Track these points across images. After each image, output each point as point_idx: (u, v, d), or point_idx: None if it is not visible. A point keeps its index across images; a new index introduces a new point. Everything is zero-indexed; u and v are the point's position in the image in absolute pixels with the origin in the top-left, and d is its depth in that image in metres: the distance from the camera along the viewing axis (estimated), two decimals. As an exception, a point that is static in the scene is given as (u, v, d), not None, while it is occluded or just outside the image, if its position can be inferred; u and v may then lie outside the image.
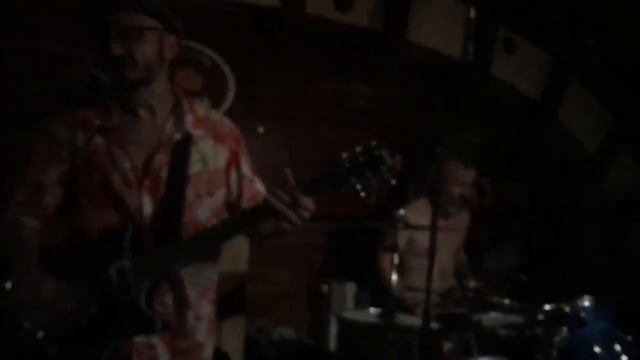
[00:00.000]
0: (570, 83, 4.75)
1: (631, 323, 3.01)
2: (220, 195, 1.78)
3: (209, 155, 1.74)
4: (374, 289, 3.76)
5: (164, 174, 1.68)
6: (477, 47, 4.38)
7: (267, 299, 4.04)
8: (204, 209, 1.72)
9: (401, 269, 3.53)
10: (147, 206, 1.66)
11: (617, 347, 2.82)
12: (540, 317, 2.92)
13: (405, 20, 4.11)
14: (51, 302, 1.57)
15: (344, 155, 1.49)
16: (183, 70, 3.63)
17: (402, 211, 2.99)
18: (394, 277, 2.88)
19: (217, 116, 1.84)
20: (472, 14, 3.73)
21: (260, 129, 3.70)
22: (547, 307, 2.93)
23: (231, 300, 3.65)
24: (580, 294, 2.94)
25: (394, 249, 2.92)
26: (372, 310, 3.20)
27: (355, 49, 4.31)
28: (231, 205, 1.82)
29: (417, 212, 3.34)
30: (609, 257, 4.24)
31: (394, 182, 1.49)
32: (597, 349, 2.80)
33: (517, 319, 3.14)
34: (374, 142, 1.49)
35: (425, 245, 3.42)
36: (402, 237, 3.43)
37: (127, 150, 1.68)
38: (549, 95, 4.72)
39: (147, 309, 1.63)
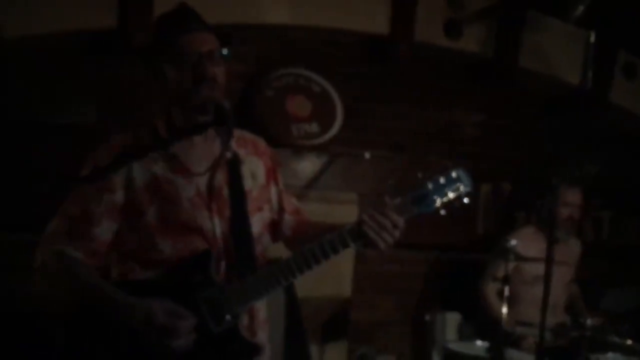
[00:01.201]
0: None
1: None
2: (267, 210, 1.79)
3: (255, 171, 1.77)
4: (479, 320, 3.66)
5: (226, 193, 1.68)
6: (595, 73, 4.19)
7: (370, 326, 4.02)
8: (255, 225, 1.73)
9: (508, 300, 3.42)
10: (218, 228, 1.66)
11: None
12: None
13: (517, 46, 4.01)
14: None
15: (422, 175, 1.62)
16: (295, 97, 3.73)
17: (513, 242, 2.89)
18: (505, 309, 2.77)
19: (250, 135, 1.84)
20: (592, 38, 3.57)
21: (367, 155, 3.72)
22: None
23: (334, 326, 3.67)
24: None
25: (505, 280, 2.82)
26: (479, 343, 3.10)
27: (466, 77, 4.26)
28: (274, 220, 1.83)
29: (524, 241, 3.24)
30: None
31: (467, 200, 1.60)
32: None
33: (634, 360, 2.93)
34: (450, 164, 1.64)
35: (534, 274, 3.34)
36: (510, 267, 3.33)
37: (187, 174, 1.66)
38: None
39: (246, 335, 1.64)
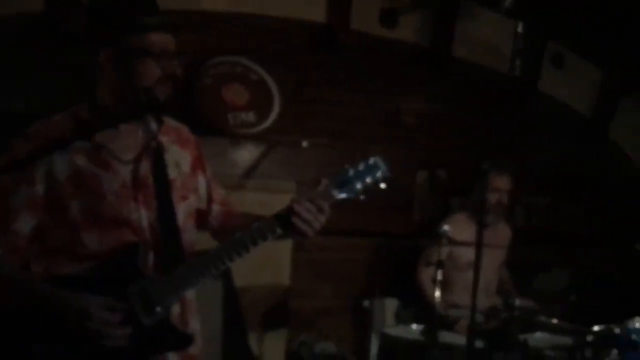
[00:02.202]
0: (621, 98, 4.62)
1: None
2: (193, 199, 1.78)
3: (179, 160, 1.76)
4: (416, 305, 3.73)
5: (151, 183, 1.66)
6: (525, 63, 4.32)
7: (310, 314, 4.05)
8: (181, 215, 1.71)
9: (442, 285, 3.51)
10: (145, 219, 1.65)
11: (671, 372, 2.71)
12: (590, 338, 2.83)
13: (451, 36, 4.09)
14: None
15: (347, 165, 1.75)
16: (231, 85, 3.70)
17: (446, 227, 2.96)
18: (437, 293, 2.84)
19: (174, 122, 1.83)
20: (520, 28, 3.69)
21: (305, 143, 3.73)
22: (596, 328, 2.84)
23: (274, 314, 3.67)
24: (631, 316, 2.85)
25: (438, 265, 2.89)
26: (415, 327, 3.17)
27: (405, 66, 4.31)
28: (200, 210, 1.83)
29: (457, 227, 3.32)
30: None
31: (383, 186, 1.74)
32: (649, 374, 2.69)
33: (565, 340, 3.06)
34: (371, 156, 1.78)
35: (467, 260, 3.43)
36: (443, 252, 3.41)
37: (112, 166, 1.63)
38: (600, 112, 4.60)
39: (178, 325, 1.64)
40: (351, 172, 1.73)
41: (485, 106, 4.46)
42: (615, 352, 2.75)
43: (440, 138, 4.39)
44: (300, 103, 3.99)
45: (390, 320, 3.95)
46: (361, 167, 1.74)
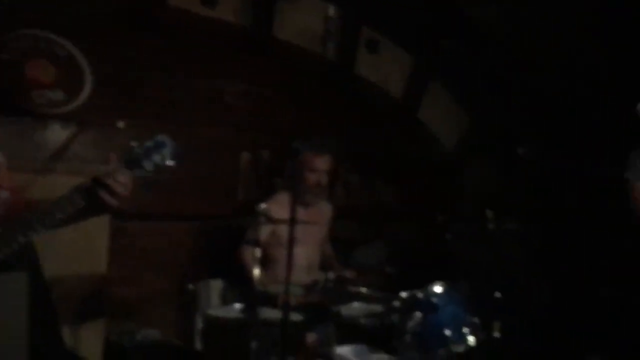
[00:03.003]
0: (429, 83, 5.00)
1: (481, 306, 3.25)
2: None
3: None
4: (242, 285, 3.76)
5: None
6: (341, 47, 4.50)
7: (133, 302, 3.91)
8: None
9: (266, 262, 3.58)
10: None
11: (465, 329, 3.01)
12: (397, 304, 3.05)
13: (272, 17, 4.13)
14: None
15: (134, 144, 1.83)
16: (35, 61, 3.41)
17: (263, 205, 3.01)
18: (256, 271, 2.89)
19: None
20: (332, 12, 3.83)
21: (121, 124, 3.57)
22: (403, 294, 3.07)
23: (89, 304, 3.49)
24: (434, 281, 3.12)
25: (256, 243, 2.94)
26: (237, 306, 3.19)
27: (226, 46, 4.27)
28: None
29: (277, 205, 3.40)
30: (468, 251, 4.48)
31: (170, 163, 1.82)
32: (447, 332, 2.97)
33: (377, 307, 3.27)
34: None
35: (287, 238, 3.52)
36: (266, 231, 3.47)
37: None
38: (410, 95, 4.94)
39: None
40: (138, 150, 1.78)
41: (306, 88, 4.59)
42: (418, 314, 2.98)
43: (263, 120, 4.44)
44: (118, 83, 3.80)
45: (216, 301, 3.94)
46: (149, 144, 1.80)
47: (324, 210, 3.99)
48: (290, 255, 2.56)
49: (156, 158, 1.77)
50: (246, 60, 4.35)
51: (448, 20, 4.41)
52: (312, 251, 3.86)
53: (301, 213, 3.62)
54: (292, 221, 2.55)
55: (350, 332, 3.23)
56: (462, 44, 4.23)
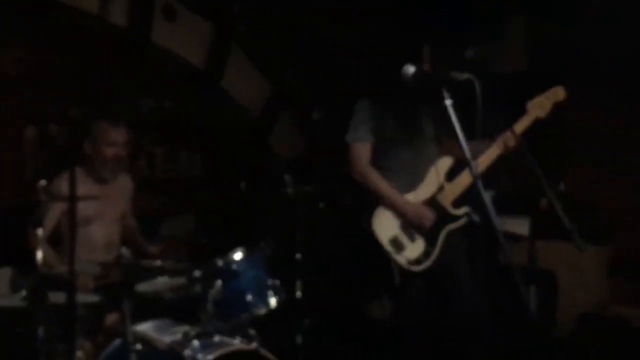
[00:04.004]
0: (231, 51, 4.97)
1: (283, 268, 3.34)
2: None
3: None
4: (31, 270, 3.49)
5: None
6: (136, 14, 4.29)
7: None
8: None
9: (62, 243, 3.35)
10: None
11: (267, 292, 3.07)
12: (197, 274, 3.02)
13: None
14: None
15: None
16: None
17: (43, 182, 2.78)
18: (39, 253, 2.68)
19: None
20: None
21: None
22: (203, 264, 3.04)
23: None
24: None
25: (37, 223, 2.73)
26: (24, 293, 2.95)
27: (10, 11, 3.85)
28: None
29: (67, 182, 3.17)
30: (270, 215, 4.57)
31: None
32: (249, 297, 2.99)
33: (179, 280, 3.20)
34: None
35: (84, 215, 3.31)
36: (56, 210, 3.24)
37: None
38: (212, 64, 4.87)
39: None
40: None
41: (98, 56, 4.31)
42: (219, 282, 2.97)
43: (50, 90, 4.09)
44: None
45: (6, 290, 3.62)
46: None
47: (122, 185, 3.79)
48: (72, 236, 2.42)
49: None
50: (27, 25, 3.97)
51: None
52: (112, 229, 3.67)
53: (97, 189, 3.43)
54: (72, 198, 2.39)
55: (155, 308, 3.15)
56: (252, 10, 4.24)
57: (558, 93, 3.18)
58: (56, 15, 4.03)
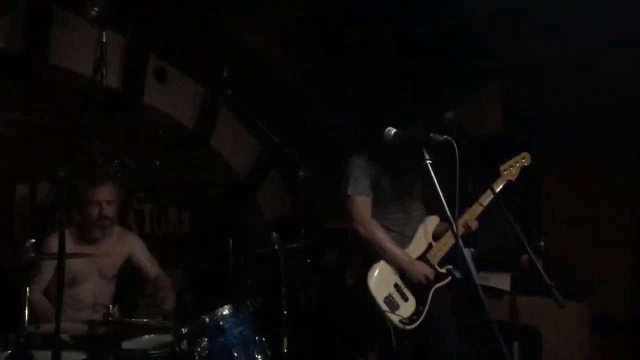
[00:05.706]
0: (220, 112, 5.10)
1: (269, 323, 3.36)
2: None
3: None
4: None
5: None
6: (129, 75, 4.42)
7: None
8: None
9: (49, 301, 3.36)
10: None
11: (254, 349, 3.07)
12: (185, 331, 3.02)
13: (47, 43, 3.94)
14: None
15: None
16: None
17: (32, 240, 2.81)
18: (25, 311, 2.69)
19: None
20: (104, 38, 3.76)
21: None
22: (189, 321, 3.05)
23: None
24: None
25: (26, 282, 2.76)
26: (5, 354, 2.93)
27: (5, 74, 3.97)
28: None
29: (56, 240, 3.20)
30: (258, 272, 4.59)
31: None
32: (235, 354, 3.00)
33: (166, 337, 3.20)
34: None
35: (70, 275, 3.31)
36: (50, 268, 3.28)
37: None
38: (202, 124, 5.00)
39: None
40: None
41: (87, 115, 4.41)
42: (205, 340, 2.98)
43: (39, 150, 4.17)
44: None
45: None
46: None
47: (119, 243, 3.74)
48: (59, 294, 2.44)
49: None
50: (20, 87, 4.09)
51: (229, 50, 4.55)
52: (100, 287, 3.65)
53: (87, 248, 3.43)
54: (60, 254, 2.43)
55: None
56: (242, 73, 4.39)
57: (525, 158, 3.35)
58: (50, 77, 4.15)
